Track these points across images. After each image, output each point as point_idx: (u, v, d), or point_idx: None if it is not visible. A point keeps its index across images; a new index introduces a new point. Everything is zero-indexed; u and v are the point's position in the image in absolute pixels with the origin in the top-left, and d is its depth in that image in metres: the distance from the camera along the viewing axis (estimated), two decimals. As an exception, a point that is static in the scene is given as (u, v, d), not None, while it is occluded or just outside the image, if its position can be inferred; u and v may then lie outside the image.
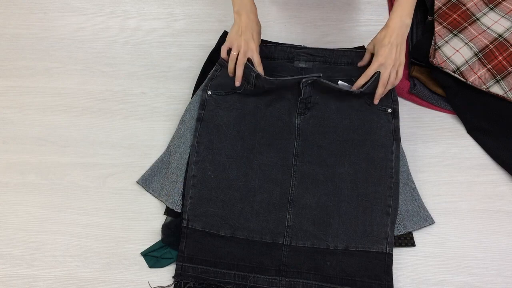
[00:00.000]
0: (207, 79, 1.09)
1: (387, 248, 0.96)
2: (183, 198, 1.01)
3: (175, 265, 0.97)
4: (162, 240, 1.00)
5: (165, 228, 1.01)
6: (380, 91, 1.01)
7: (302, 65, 1.10)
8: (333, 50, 1.09)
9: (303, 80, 1.01)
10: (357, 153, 1.02)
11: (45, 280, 0.98)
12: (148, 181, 1.06)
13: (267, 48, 1.08)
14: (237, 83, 1.03)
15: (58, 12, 1.29)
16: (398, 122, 1.04)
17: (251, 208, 1.00)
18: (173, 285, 0.96)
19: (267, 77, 1.01)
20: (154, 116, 1.15)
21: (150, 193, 1.05)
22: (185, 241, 0.98)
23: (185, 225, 0.99)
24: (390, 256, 0.96)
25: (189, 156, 1.04)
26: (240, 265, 0.97)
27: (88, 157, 1.11)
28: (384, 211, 0.99)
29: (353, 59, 1.08)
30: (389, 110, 1.05)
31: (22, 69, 1.22)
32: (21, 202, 1.06)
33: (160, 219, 1.03)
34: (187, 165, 1.04)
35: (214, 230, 0.99)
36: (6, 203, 1.06)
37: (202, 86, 1.10)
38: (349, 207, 0.99)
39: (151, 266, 0.98)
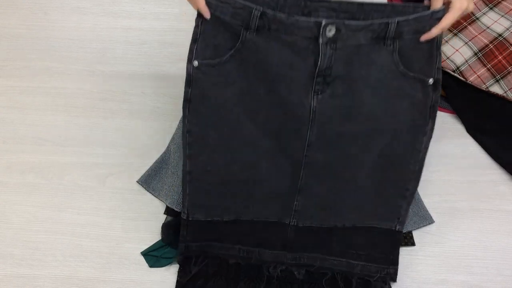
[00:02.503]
0: (190, 44, 0.83)
1: (397, 227, 0.92)
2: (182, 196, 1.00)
3: (175, 265, 0.97)
4: (162, 240, 1.00)
5: (165, 227, 1.01)
6: (444, 24, 0.76)
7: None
8: (362, 3, 0.80)
9: (324, 23, 0.74)
10: (383, 139, 0.86)
11: (45, 280, 0.98)
12: (148, 181, 1.06)
13: (273, 1, 0.79)
14: (207, 16, 0.79)
15: (58, 12, 1.30)
16: (438, 96, 0.83)
17: (256, 200, 0.92)
18: (178, 270, 0.96)
19: (276, 13, 0.75)
20: (154, 116, 1.15)
21: (150, 192, 1.05)
22: (186, 229, 0.93)
23: (185, 217, 0.93)
24: (399, 233, 0.92)
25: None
26: (245, 240, 0.94)
27: (88, 157, 1.11)
28: (400, 195, 0.91)
29: (388, 15, 0.79)
30: (430, 81, 0.82)
31: (22, 69, 1.22)
32: (21, 202, 1.06)
33: (160, 218, 1.03)
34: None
35: (216, 218, 0.94)
36: (6, 203, 1.06)
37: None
38: (362, 195, 0.91)
39: (151, 266, 0.98)
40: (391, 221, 0.92)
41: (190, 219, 0.93)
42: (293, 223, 0.93)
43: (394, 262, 0.93)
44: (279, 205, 0.92)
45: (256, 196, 0.92)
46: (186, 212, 0.93)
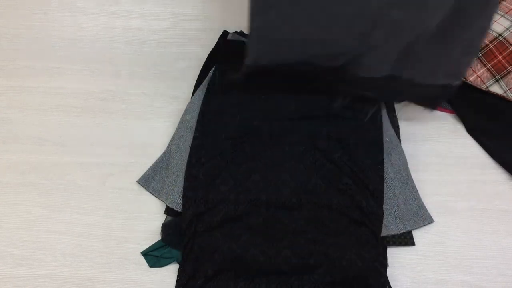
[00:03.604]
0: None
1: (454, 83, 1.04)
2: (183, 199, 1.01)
3: (175, 265, 0.97)
4: (162, 240, 1.00)
5: (165, 227, 1.01)
6: None
7: None
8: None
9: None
10: None
11: (45, 280, 0.98)
12: (148, 181, 1.06)
13: None
14: None
15: (58, 12, 1.30)
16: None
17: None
18: (178, 270, 0.96)
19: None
20: (154, 116, 1.15)
21: (150, 192, 1.05)
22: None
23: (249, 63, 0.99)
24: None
25: (189, 156, 1.04)
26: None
27: (88, 157, 1.11)
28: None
29: None
30: None
31: (22, 69, 1.22)
32: (22, 202, 1.06)
33: (160, 218, 1.03)
34: (187, 164, 1.04)
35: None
36: (6, 202, 1.06)
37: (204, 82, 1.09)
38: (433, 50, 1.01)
39: (151, 266, 0.99)
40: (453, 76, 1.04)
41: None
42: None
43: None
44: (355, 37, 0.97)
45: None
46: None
